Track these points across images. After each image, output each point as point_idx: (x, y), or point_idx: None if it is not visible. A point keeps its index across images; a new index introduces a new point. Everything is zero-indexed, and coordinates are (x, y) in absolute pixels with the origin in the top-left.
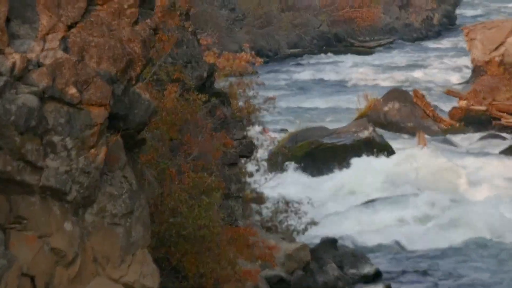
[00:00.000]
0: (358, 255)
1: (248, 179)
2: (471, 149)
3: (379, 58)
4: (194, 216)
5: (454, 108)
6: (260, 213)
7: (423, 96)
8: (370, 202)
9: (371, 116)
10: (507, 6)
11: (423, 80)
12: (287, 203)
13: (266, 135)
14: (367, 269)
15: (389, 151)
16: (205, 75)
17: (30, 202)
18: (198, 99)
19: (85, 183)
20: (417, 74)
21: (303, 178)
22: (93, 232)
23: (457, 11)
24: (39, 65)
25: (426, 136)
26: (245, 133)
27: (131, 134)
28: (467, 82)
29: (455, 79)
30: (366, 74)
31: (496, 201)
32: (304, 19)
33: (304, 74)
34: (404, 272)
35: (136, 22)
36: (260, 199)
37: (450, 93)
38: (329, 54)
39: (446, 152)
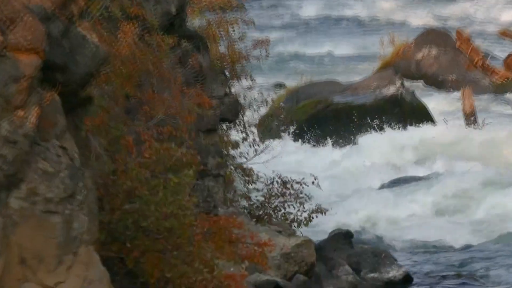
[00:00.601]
0: (381, 253)
1: (232, 151)
2: None
3: None
4: (157, 201)
5: (511, 55)
6: (248, 197)
7: (469, 39)
8: (396, 183)
9: (399, 65)
10: None
11: (471, 18)
12: (284, 183)
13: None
14: (393, 273)
15: (423, 114)
16: (173, 10)
17: None
18: (164, 43)
19: (9, 156)
20: (463, 8)
21: (306, 150)
22: (20, 223)
23: None
24: None
25: (474, 94)
26: (227, 89)
27: (72, 91)
28: None
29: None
30: (392, 9)
31: None
32: None
33: (308, 9)
34: (441, 277)
35: None
36: (248, 178)
37: (506, 34)
38: None
39: (501, 118)
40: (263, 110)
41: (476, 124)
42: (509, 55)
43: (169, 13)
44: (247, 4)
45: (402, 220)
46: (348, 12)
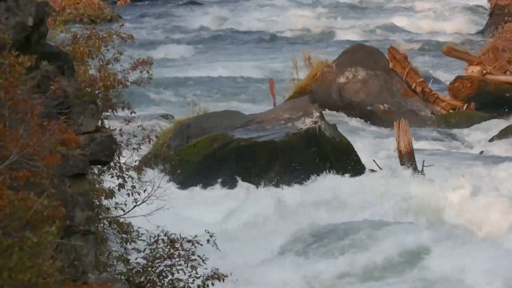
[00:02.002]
0: None
1: (106, 202)
2: (488, 150)
3: None
4: (11, 266)
5: (458, 78)
6: (126, 260)
7: (405, 57)
8: (309, 245)
9: (317, 92)
10: None
11: (407, 30)
12: (172, 242)
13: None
14: None
15: (347, 155)
16: (30, 22)
17: None
18: (19, 64)
19: None
20: (399, 19)
21: (200, 200)
22: None
23: None
24: None
25: (413, 129)
26: (99, 123)
27: None
28: (481, 32)
29: (462, 27)
30: (310, 19)
31: None
32: None
33: (204, 19)
34: None
35: None
36: (126, 235)
37: (451, 52)
38: None
39: (446, 159)
40: (145, 149)
41: (414, 168)
42: (456, 79)
43: (25, 26)
44: (125, 14)
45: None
46: (254, 25)
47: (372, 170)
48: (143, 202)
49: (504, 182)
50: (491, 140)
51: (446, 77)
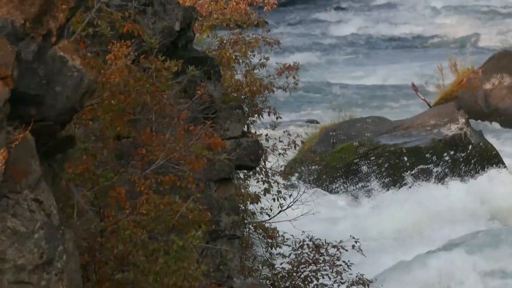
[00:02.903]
0: None
1: (251, 207)
2: None
3: None
4: (157, 270)
5: None
6: (271, 265)
7: None
8: (465, 246)
9: (463, 99)
10: None
11: None
12: (317, 247)
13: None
14: None
15: (494, 161)
16: (177, 27)
17: None
18: (166, 68)
19: None
20: None
21: (346, 206)
22: None
23: None
24: None
25: None
26: (245, 128)
27: (50, 129)
28: None
29: None
30: (455, 25)
31: None
32: None
33: (350, 26)
34: None
35: None
36: (271, 240)
37: None
38: None
39: None
40: (291, 155)
41: None
42: None
43: (172, 31)
44: (271, 19)
45: None
46: (400, 30)
47: None
48: (288, 207)
49: None
50: None
51: None
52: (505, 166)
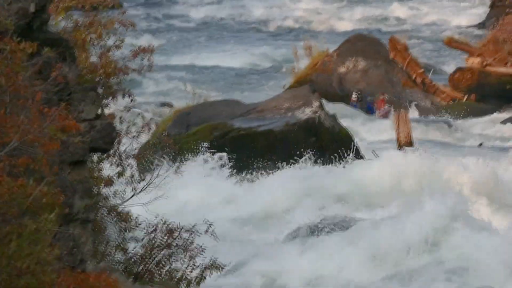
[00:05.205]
0: None
1: (105, 190)
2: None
3: None
4: (10, 253)
5: (459, 69)
6: (124, 250)
7: (406, 48)
8: (312, 233)
9: (318, 81)
10: None
11: (409, 22)
12: (170, 231)
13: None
14: None
15: (347, 145)
16: (32, 8)
17: None
18: (21, 50)
19: None
20: (399, 10)
21: (199, 188)
22: None
23: None
24: None
25: (412, 117)
26: (100, 110)
27: None
28: (482, 24)
29: (462, 20)
30: (311, 10)
31: None
32: None
33: (206, 9)
34: None
35: None
36: (124, 224)
37: (452, 43)
38: None
39: (446, 149)
40: (145, 137)
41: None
42: (456, 70)
43: (27, 12)
44: (126, 1)
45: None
46: (256, 12)
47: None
48: (142, 190)
49: None
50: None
51: (446, 68)
52: (358, 149)
